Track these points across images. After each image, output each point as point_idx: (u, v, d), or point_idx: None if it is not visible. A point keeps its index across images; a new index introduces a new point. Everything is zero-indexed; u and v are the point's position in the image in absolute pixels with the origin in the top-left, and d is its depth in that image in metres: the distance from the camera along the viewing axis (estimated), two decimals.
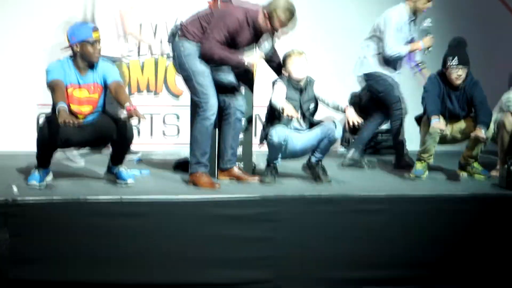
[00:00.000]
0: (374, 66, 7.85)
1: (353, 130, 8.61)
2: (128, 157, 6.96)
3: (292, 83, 6.89)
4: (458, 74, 7.18)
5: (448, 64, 7.17)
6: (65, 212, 5.95)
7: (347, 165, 7.84)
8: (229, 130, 6.94)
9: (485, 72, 8.12)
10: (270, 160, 6.91)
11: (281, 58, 6.96)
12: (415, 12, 7.72)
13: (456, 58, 7.16)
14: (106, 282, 6.00)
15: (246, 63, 6.60)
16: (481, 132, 7.02)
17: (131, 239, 6.05)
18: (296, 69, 6.89)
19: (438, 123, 7.05)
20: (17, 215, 5.84)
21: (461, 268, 6.59)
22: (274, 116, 6.88)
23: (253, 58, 6.67)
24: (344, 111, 6.80)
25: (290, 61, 6.89)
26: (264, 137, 6.87)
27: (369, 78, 7.90)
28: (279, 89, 6.85)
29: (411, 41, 7.82)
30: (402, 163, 7.82)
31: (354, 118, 6.75)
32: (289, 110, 6.64)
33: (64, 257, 5.94)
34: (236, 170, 6.97)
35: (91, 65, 6.44)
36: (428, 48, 7.77)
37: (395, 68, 7.85)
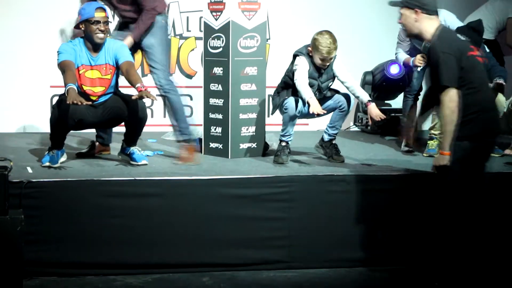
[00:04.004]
0: None
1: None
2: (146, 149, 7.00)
3: (315, 63, 6.82)
4: None
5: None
6: (79, 193, 5.97)
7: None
8: None
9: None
10: (283, 132, 6.85)
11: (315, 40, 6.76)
12: None
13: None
14: (120, 262, 6.02)
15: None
16: (501, 80, 7.09)
17: (145, 220, 6.07)
18: (329, 61, 6.77)
19: None
20: (32, 196, 5.86)
21: (477, 246, 6.58)
22: (291, 85, 6.83)
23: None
24: (366, 106, 6.77)
25: (325, 52, 6.70)
26: (278, 105, 6.86)
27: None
28: (303, 69, 6.75)
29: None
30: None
31: (377, 114, 6.70)
32: (315, 108, 6.54)
33: (78, 238, 5.96)
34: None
35: (98, 46, 6.43)
36: (417, 67, 7.69)
37: None
